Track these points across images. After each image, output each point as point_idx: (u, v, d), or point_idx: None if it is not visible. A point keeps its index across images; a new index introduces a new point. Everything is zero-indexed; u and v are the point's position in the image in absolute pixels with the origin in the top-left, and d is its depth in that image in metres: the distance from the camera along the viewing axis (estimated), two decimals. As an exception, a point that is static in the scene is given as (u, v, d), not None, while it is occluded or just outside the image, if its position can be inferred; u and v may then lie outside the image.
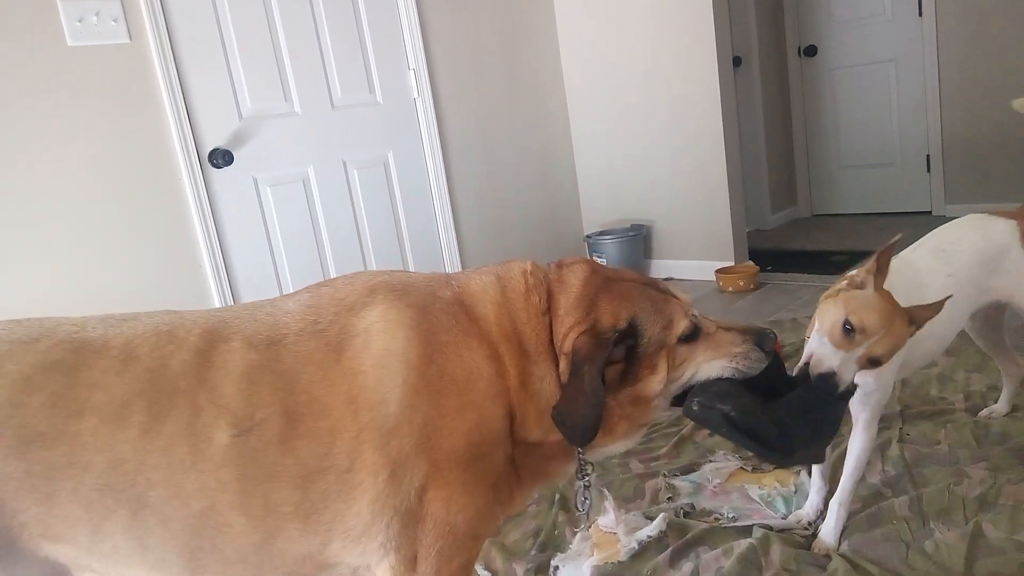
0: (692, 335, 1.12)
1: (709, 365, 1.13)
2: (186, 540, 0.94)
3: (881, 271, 1.36)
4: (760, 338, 1.13)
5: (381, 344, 1.00)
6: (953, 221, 1.77)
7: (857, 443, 1.59)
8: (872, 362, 1.33)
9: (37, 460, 0.89)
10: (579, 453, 1.13)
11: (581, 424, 1.04)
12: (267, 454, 0.94)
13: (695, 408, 1.10)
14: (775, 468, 1.96)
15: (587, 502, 1.20)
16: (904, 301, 1.37)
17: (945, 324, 1.60)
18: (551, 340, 1.09)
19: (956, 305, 1.59)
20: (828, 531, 1.61)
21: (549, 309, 1.10)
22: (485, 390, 1.04)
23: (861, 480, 1.78)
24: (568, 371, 1.06)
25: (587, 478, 1.17)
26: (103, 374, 0.93)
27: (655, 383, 1.10)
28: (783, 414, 1.11)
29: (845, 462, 1.61)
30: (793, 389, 1.18)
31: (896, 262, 1.63)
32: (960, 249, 1.67)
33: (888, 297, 1.34)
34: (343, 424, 0.97)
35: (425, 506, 1.00)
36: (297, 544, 0.98)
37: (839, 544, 1.60)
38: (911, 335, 1.36)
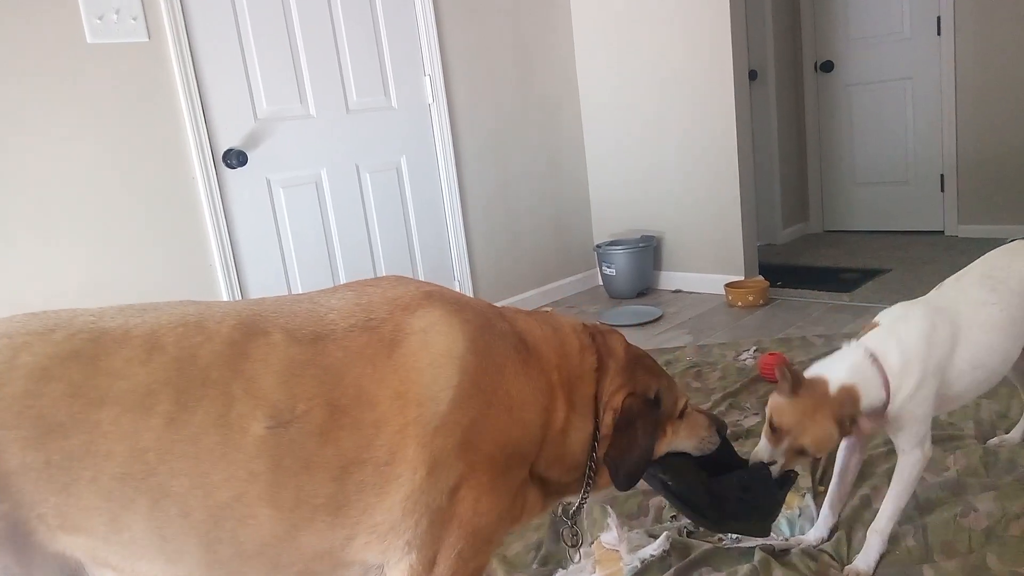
0: (683, 413, 1.32)
1: (686, 441, 1.32)
2: (206, 531, 0.94)
3: (787, 380, 1.46)
4: (719, 426, 1.37)
5: (441, 345, 1.05)
6: (1000, 247, 1.72)
7: (898, 476, 1.56)
8: (800, 452, 1.45)
9: (56, 450, 0.89)
10: (585, 494, 1.25)
11: (633, 471, 1.20)
12: (305, 445, 0.95)
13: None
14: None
15: (577, 536, 1.37)
16: (945, 341, 1.51)
17: (994, 354, 1.58)
18: (595, 396, 1.21)
19: (1006, 335, 1.58)
20: (863, 559, 1.58)
21: (599, 369, 1.22)
22: (533, 418, 1.13)
23: (867, 506, 1.77)
24: (616, 425, 1.21)
25: (576, 519, 1.34)
26: (126, 364, 0.93)
27: (664, 446, 1.28)
28: (722, 489, 1.32)
29: (887, 493, 1.58)
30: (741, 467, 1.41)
31: (936, 296, 1.64)
32: (1009, 276, 1.62)
33: (809, 397, 1.45)
34: (388, 417, 0.99)
35: (454, 506, 1.03)
36: (322, 538, 0.98)
37: (873, 573, 1.57)
38: (847, 426, 1.45)
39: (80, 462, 0.90)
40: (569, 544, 1.36)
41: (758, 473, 1.41)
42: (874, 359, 1.49)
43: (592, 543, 1.79)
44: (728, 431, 1.43)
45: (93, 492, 0.90)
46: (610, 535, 1.76)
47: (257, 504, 0.94)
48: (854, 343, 1.54)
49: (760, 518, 1.38)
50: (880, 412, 1.49)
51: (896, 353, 1.49)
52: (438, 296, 1.12)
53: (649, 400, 1.24)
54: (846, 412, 1.43)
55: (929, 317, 1.53)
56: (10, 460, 0.88)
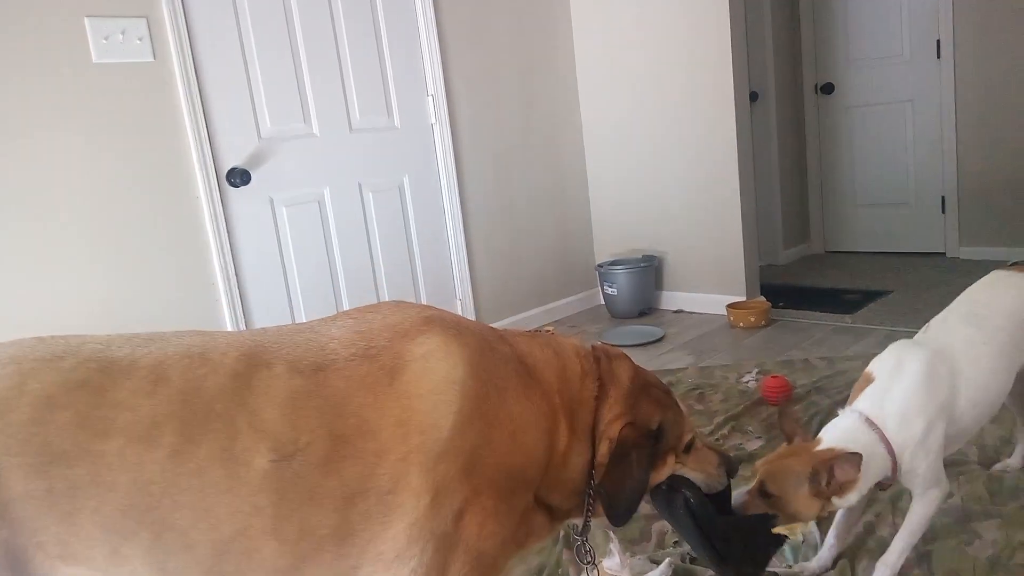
0: (689, 447, 1.30)
1: (692, 474, 1.31)
2: (209, 565, 0.93)
3: (789, 436, 1.54)
4: (729, 464, 1.35)
5: (441, 371, 1.04)
6: (979, 282, 1.74)
7: (913, 513, 1.55)
8: (763, 493, 1.45)
9: (59, 479, 0.88)
10: (587, 517, 1.23)
11: (627, 504, 1.18)
12: (309, 477, 0.95)
13: (664, 487, 1.28)
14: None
15: (591, 553, 1.33)
16: (945, 382, 1.51)
17: (990, 391, 1.58)
18: (594, 423, 1.20)
19: (997, 370, 1.58)
20: None
21: (599, 396, 1.21)
22: (536, 442, 1.12)
23: (871, 534, 1.76)
24: (611, 455, 1.18)
25: (587, 538, 1.31)
26: (132, 395, 0.93)
27: (661, 477, 1.27)
28: (725, 527, 1.31)
29: (901, 527, 1.57)
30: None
31: (925, 337, 1.64)
32: (991, 312, 1.63)
33: (797, 445, 1.51)
34: (390, 446, 0.99)
35: (459, 531, 1.03)
36: (327, 568, 0.98)
37: None
38: (820, 484, 1.43)
39: (83, 492, 0.89)
40: (584, 562, 1.34)
41: (761, 525, 1.40)
42: (871, 424, 1.48)
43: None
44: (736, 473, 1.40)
45: (95, 523, 0.90)
46: (612, 561, 1.74)
47: (262, 537, 0.94)
48: (848, 409, 1.54)
49: (752, 569, 1.37)
50: (891, 478, 1.49)
51: (893, 415, 1.48)
52: (438, 321, 1.11)
53: (648, 432, 1.21)
54: (820, 469, 1.41)
55: (925, 360, 1.53)
56: (13, 486, 0.88)
